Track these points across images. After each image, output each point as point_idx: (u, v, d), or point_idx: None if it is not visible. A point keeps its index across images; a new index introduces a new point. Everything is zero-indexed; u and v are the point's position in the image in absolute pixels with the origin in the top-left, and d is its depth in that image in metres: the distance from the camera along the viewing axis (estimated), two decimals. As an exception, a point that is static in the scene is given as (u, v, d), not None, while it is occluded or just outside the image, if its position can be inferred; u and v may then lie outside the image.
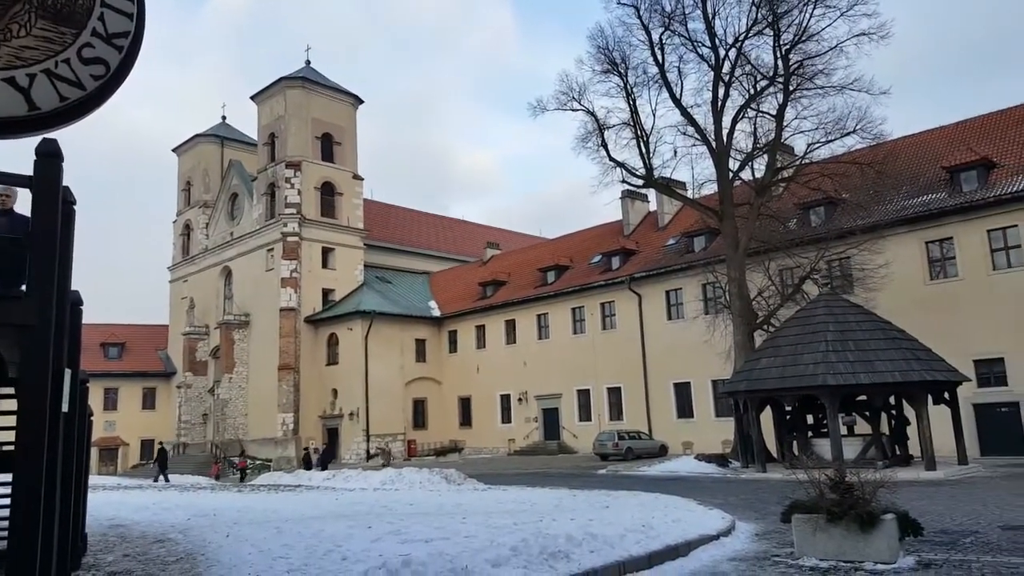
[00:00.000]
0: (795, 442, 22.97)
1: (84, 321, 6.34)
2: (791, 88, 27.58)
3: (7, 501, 4.14)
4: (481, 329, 46.16)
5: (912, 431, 21.98)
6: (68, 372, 4.43)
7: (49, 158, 3.76)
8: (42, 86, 3.55)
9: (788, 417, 23.63)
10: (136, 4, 3.75)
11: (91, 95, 3.64)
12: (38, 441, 3.76)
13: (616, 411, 38.55)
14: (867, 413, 22.71)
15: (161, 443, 42.48)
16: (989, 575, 7.43)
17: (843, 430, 22.12)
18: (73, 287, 4.75)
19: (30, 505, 3.71)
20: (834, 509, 8.10)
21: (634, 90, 30.08)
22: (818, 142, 27.23)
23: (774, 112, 28.17)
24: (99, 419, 45.85)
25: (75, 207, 4.58)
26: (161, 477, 35.00)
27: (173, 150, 59.40)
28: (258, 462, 41.13)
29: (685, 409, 35.71)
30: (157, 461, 37.94)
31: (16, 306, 3.84)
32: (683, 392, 35.82)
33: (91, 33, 3.64)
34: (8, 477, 4.11)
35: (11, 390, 5.96)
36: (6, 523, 4.01)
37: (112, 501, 18.41)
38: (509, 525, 9.96)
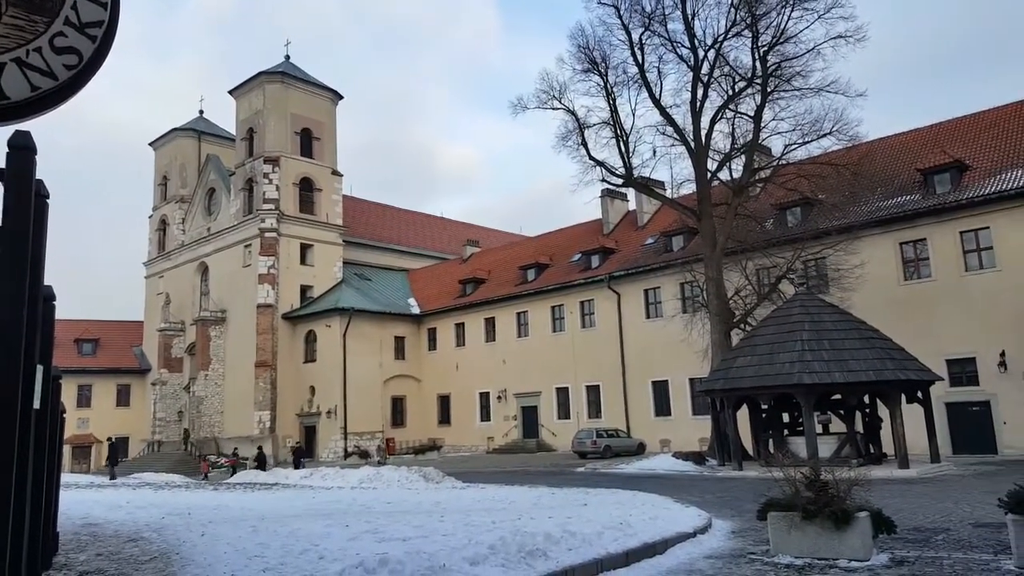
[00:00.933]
0: (771, 440, 23.17)
1: (58, 317, 6.24)
2: (769, 89, 27.85)
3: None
4: (460, 327, 46.09)
5: (886, 430, 22.30)
6: (40, 368, 4.35)
7: (22, 151, 3.69)
8: (12, 75, 3.47)
9: (764, 415, 23.83)
10: (111, -7, 3.69)
11: (64, 85, 3.57)
12: (8, 439, 3.69)
13: (595, 409, 38.71)
14: (842, 412, 22.97)
15: (110, 438, 41.72)
16: (960, 572, 7.53)
17: (818, 428, 22.38)
18: (47, 282, 4.67)
19: (-1, 504, 3.64)
20: (809, 507, 8.16)
21: (614, 90, 30.26)
22: (795, 143, 27.60)
23: (752, 113, 28.43)
24: (72, 416, 45.17)
25: (49, 201, 4.50)
26: (114, 472, 34.43)
27: (150, 144, 58.54)
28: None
29: (663, 407, 35.95)
30: (108, 457, 37.40)
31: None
32: (661, 390, 36.05)
33: (64, 22, 3.56)
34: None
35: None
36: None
37: (85, 499, 18.12)
38: (487, 523, 9.95)
